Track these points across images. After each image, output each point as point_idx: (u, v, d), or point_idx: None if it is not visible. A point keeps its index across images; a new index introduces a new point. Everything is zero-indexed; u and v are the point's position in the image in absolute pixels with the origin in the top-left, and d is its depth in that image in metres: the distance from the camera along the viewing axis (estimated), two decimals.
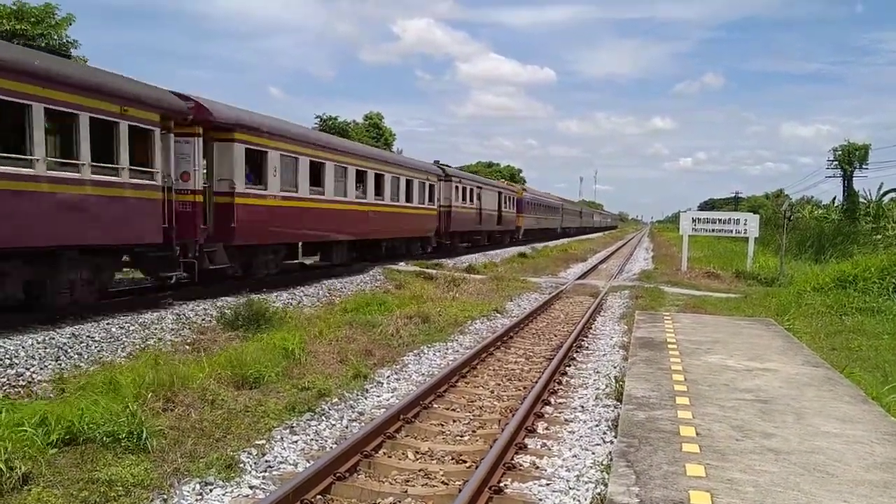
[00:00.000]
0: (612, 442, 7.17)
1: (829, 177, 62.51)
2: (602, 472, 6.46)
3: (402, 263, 25.20)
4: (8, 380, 8.60)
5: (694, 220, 30.30)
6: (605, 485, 5.81)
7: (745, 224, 29.09)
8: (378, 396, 9.14)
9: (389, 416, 7.67)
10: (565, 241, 61.43)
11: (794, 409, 7.17)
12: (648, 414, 6.92)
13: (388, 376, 10.17)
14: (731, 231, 29.93)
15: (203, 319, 12.94)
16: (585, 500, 5.94)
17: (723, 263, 31.16)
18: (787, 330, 13.10)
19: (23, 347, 9.72)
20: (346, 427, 7.82)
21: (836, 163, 60.66)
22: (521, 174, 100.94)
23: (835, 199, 63.61)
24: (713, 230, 30.63)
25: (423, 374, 10.45)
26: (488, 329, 14.59)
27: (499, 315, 16.56)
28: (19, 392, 8.17)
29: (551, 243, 52.03)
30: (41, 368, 9.18)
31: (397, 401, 8.66)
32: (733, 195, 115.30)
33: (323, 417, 8.05)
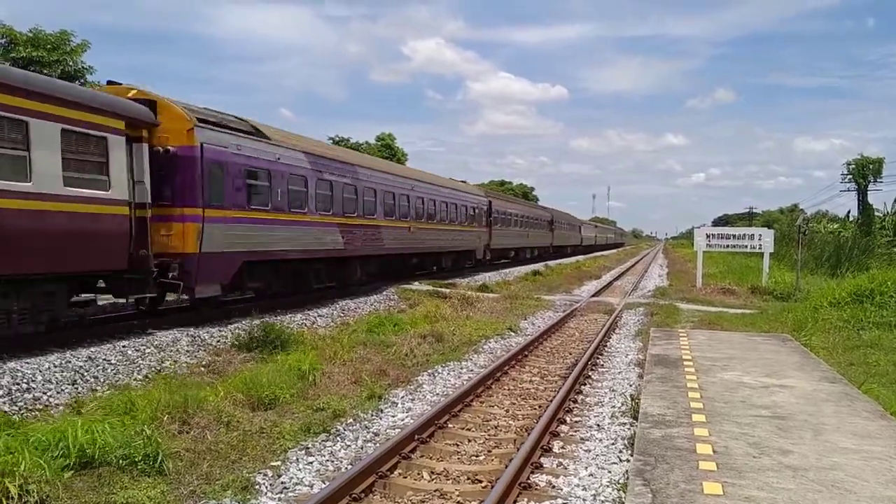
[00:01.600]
0: (628, 460, 7.13)
1: (844, 191, 62.32)
2: (619, 490, 6.43)
3: (415, 283, 25.22)
4: (25, 404, 8.67)
5: (708, 236, 30.19)
6: (623, 503, 5.79)
7: (759, 239, 28.96)
8: (393, 417, 9.13)
9: (404, 436, 7.65)
10: (574, 259, 59.86)
11: (811, 426, 7.12)
12: (665, 432, 6.89)
13: (403, 396, 10.16)
14: (746, 246, 29.79)
15: (218, 341, 12.99)
16: None
17: (738, 279, 31.01)
18: (804, 345, 13.01)
19: (40, 371, 9.79)
20: (362, 448, 7.81)
21: (850, 177, 60.42)
22: (533, 192, 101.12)
23: (849, 212, 63.35)
24: (728, 246, 30.49)
25: (437, 393, 10.43)
26: (503, 348, 14.56)
27: (513, 334, 16.53)
28: (36, 416, 8.21)
29: (565, 261, 51.58)
30: (58, 392, 9.25)
31: (412, 421, 8.64)
32: (747, 210, 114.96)
33: (338, 438, 8.04)
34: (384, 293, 22.27)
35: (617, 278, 39.43)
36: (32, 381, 9.40)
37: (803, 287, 25.92)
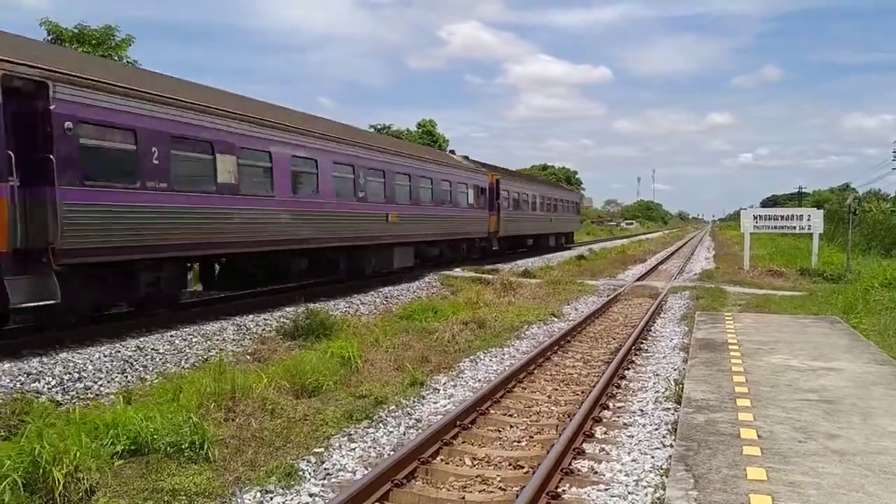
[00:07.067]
0: (671, 446, 7.06)
1: None
2: (661, 476, 6.37)
3: (457, 269, 25.25)
4: (77, 393, 8.90)
5: (755, 218, 29.69)
6: (665, 489, 5.74)
7: (808, 220, 28.37)
8: (435, 403, 9.16)
9: (446, 422, 7.68)
10: (619, 242, 59.65)
11: (859, 409, 6.98)
12: (708, 417, 6.82)
13: (445, 383, 10.19)
14: (795, 227, 29.22)
15: (263, 329, 13.18)
16: None
17: (787, 261, 30.45)
18: (854, 328, 12.74)
19: (90, 361, 10.04)
20: (404, 434, 7.85)
21: None
22: (576, 175, 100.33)
23: None
24: (775, 227, 29.97)
25: (479, 379, 10.44)
26: (545, 333, 14.51)
27: (556, 319, 16.46)
28: (87, 405, 8.42)
29: (609, 244, 51.13)
30: (108, 381, 9.47)
31: (454, 407, 8.66)
32: (797, 190, 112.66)
33: (380, 425, 8.10)
34: (426, 280, 22.34)
35: (662, 262, 39.02)
36: (83, 370, 9.65)
37: (854, 268, 25.35)
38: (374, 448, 7.37)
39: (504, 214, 33.07)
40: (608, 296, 20.69)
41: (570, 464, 6.77)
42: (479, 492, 6.27)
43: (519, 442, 7.65)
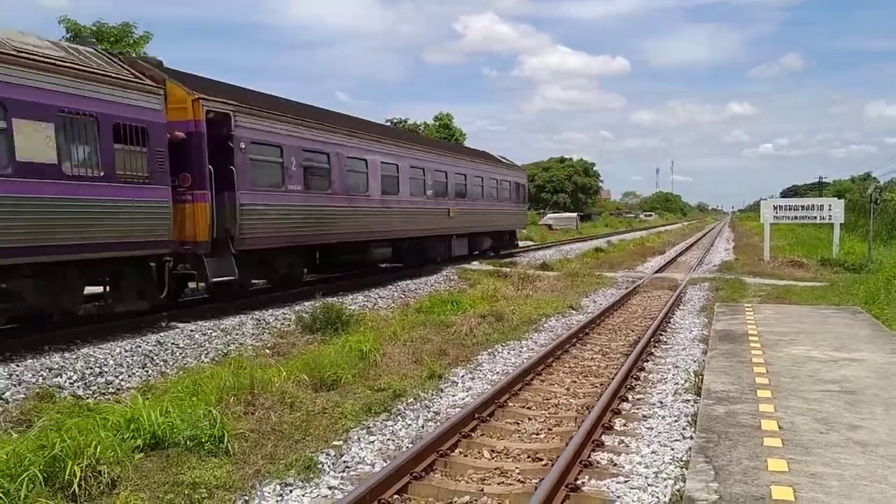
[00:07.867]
0: (691, 437, 7.02)
1: None
2: (682, 468, 6.33)
3: (475, 263, 25.26)
4: (98, 387, 8.98)
5: (775, 208, 29.44)
6: (685, 481, 5.71)
7: (829, 210, 28.11)
8: (453, 396, 9.16)
9: (465, 415, 7.67)
10: (638, 234, 59.38)
11: (882, 400, 6.91)
12: (728, 408, 6.78)
13: (463, 376, 10.19)
14: (815, 217, 28.97)
15: (282, 324, 13.23)
16: (664, 496, 5.82)
17: (807, 251, 30.19)
18: (876, 318, 12.61)
19: (111, 356, 10.12)
20: (422, 427, 7.86)
21: None
22: (594, 167, 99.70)
23: None
24: (796, 217, 29.71)
25: (497, 372, 10.43)
26: (563, 326, 14.46)
27: (574, 312, 16.41)
28: (109, 399, 8.48)
29: (628, 236, 50.94)
30: (129, 376, 9.55)
31: (472, 400, 8.65)
32: (817, 180, 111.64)
33: (399, 418, 8.11)
34: (444, 273, 22.35)
35: (681, 253, 38.79)
36: (105, 365, 9.73)
37: (876, 258, 25.10)
38: (393, 441, 7.38)
39: (248, 198, 14.27)
40: (627, 288, 20.60)
41: (589, 456, 6.74)
42: (498, 484, 6.26)
43: (538, 434, 7.63)
